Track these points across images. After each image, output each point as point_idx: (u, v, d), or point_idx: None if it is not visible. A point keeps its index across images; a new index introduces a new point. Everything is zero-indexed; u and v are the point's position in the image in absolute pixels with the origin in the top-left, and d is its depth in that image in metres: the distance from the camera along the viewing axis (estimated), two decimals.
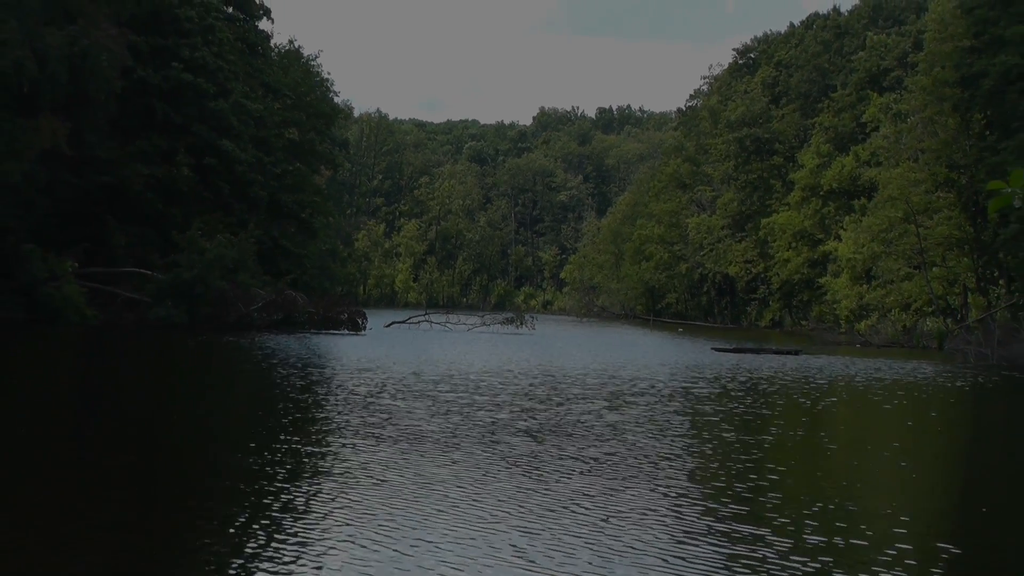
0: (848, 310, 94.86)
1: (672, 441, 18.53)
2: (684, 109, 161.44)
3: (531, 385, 29.74)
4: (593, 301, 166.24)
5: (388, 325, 70.09)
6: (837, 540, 10.86)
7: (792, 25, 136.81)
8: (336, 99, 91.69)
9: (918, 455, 20.00)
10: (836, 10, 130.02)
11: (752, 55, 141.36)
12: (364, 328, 60.96)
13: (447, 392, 26.24)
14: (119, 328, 51.22)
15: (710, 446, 18.23)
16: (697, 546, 10.41)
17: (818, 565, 9.74)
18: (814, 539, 10.86)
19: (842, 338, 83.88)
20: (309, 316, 59.93)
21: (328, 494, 12.58)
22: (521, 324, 76.76)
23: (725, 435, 19.86)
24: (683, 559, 9.82)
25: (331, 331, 57.42)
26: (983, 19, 69.77)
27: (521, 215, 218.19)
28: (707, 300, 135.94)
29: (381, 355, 40.64)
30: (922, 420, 26.36)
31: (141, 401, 24.57)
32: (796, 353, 55.04)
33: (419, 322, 75.53)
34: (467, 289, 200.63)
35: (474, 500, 12.41)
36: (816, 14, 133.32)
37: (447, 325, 74.30)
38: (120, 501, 12.45)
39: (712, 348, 58.35)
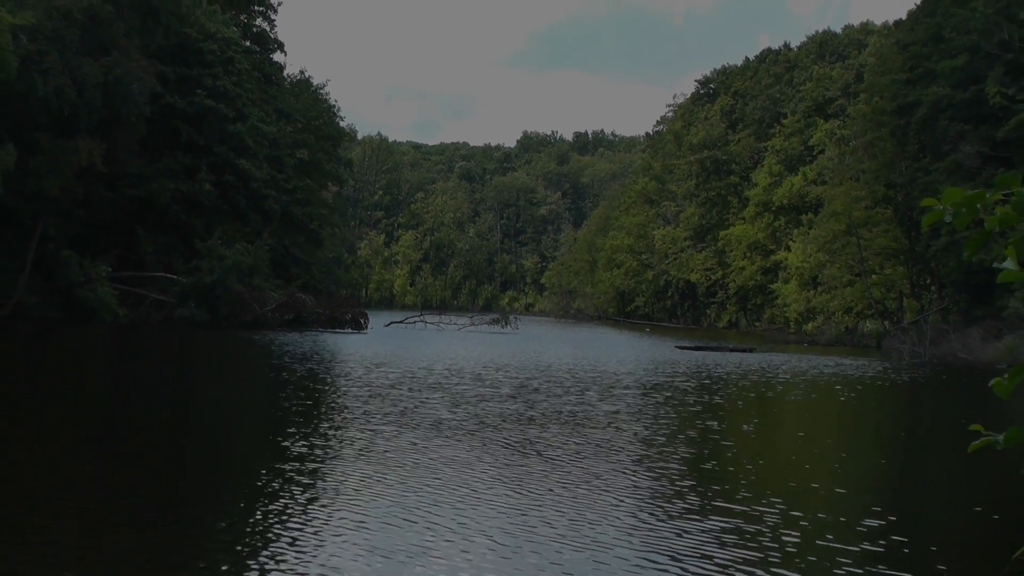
0: (797, 313, 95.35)
1: (661, 428, 18.67)
2: (651, 133, 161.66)
3: (528, 378, 29.85)
4: (570, 304, 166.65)
5: (388, 325, 70.17)
6: (810, 513, 10.94)
7: (747, 59, 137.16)
8: (341, 123, 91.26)
9: (863, 437, 20.15)
10: (787, 46, 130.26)
11: (712, 85, 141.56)
12: (366, 327, 61.00)
13: (456, 384, 26.34)
14: (147, 326, 51.27)
15: (693, 432, 18.37)
16: (692, 522, 10.53)
17: (794, 533, 9.82)
18: (788, 513, 10.95)
19: (791, 338, 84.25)
20: (317, 316, 59.92)
21: (362, 474, 12.62)
22: (506, 324, 76.96)
23: (705, 423, 20.05)
24: (685, 532, 9.91)
25: (336, 330, 57.40)
26: (917, 55, 70.15)
27: (506, 227, 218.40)
28: (671, 303, 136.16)
29: (389, 351, 40.77)
30: (865, 408, 26.54)
31: (174, 389, 24.59)
32: (751, 351, 55.24)
33: (415, 322, 75.62)
34: (458, 292, 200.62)
35: (495, 481, 12.51)
36: (769, 49, 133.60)
37: (440, 325, 74.45)
38: (160, 479, 12.46)
39: (676, 346, 58.48)
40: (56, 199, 51.14)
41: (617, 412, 21.15)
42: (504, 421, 18.68)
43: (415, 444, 15.23)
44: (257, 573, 8.06)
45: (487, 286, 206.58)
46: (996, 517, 12.01)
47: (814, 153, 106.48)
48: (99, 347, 38.53)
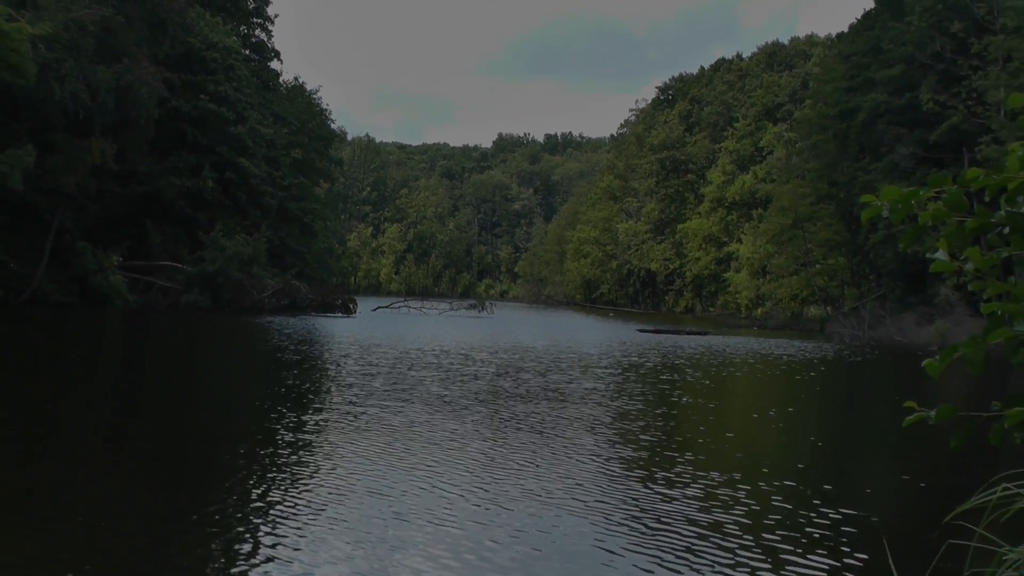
0: (747, 299, 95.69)
1: (635, 403, 18.79)
2: (615, 135, 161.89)
3: (513, 357, 29.96)
4: (541, 291, 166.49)
5: (375, 309, 69.95)
6: (760, 482, 11.14)
7: (703, 68, 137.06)
8: (332, 125, 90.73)
9: (808, 412, 20.33)
10: (739, 56, 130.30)
11: (670, 92, 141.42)
12: (355, 312, 60.94)
13: (450, 363, 26.35)
14: (155, 311, 51.10)
15: (662, 408, 18.45)
16: (658, 489, 10.68)
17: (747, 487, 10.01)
18: (740, 481, 11.15)
19: (742, 322, 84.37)
20: (310, 302, 59.87)
21: (372, 445, 12.64)
22: (483, 309, 76.90)
23: (671, 399, 20.20)
24: (653, 497, 10.10)
25: (328, 314, 57.25)
26: (857, 65, 70.53)
27: (482, 220, 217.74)
28: (633, 290, 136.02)
29: (381, 333, 40.79)
30: (810, 386, 26.73)
31: (182, 367, 24.52)
32: (706, 334, 55.41)
33: (400, 307, 75.49)
34: (439, 280, 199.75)
35: (493, 450, 12.66)
36: (722, 59, 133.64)
37: (422, 310, 74.36)
38: (168, 448, 12.51)
39: (638, 329, 58.50)
40: (72, 195, 51.01)
41: (597, 389, 21.32)
42: (497, 397, 18.82)
43: (418, 418, 15.30)
44: (266, 537, 8.15)
45: (465, 274, 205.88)
46: (923, 485, 12.23)
47: (764, 154, 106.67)
48: (111, 330, 38.42)
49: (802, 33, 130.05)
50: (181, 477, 10.82)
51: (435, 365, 25.61)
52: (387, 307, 75.01)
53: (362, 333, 40.54)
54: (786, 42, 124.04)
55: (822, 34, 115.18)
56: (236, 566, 7.30)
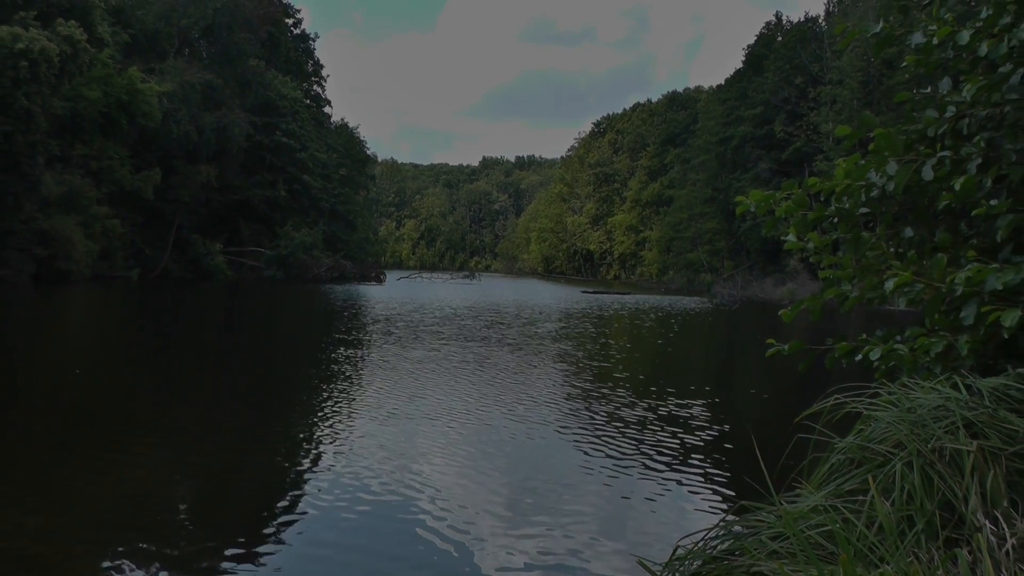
0: (656, 270, 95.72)
1: (612, 340, 18.89)
2: (564, 157, 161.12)
3: (519, 311, 30.08)
4: (514, 265, 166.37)
5: (399, 279, 69.81)
6: (663, 396, 11.32)
7: (624, 109, 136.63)
8: (367, 152, 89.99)
9: (699, 347, 20.56)
10: (649, 100, 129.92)
11: (602, 126, 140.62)
12: (384, 281, 61.03)
13: (490, 316, 26.24)
14: (246, 282, 50.96)
15: (625, 345, 18.60)
16: (606, 399, 10.82)
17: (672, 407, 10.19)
18: (646, 398, 11.30)
19: (653, 286, 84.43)
20: (353, 274, 60.21)
21: (445, 374, 12.56)
22: (473, 278, 77.18)
23: (611, 338, 20.28)
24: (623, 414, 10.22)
25: (365, 283, 57.14)
26: (731, 106, 70.71)
27: (473, 217, 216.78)
28: (578, 264, 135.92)
29: (411, 295, 40.75)
30: (700, 329, 26.98)
31: (270, 321, 24.40)
32: (629, 294, 55.69)
33: (416, 278, 75.48)
34: (442, 258, 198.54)
35: (536, 380, 12.61)
36: (638, 102, 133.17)
37: (432, 279, 74.42)
38: (266, 366, 12.54)
39: (582, 291, 58.70)
40: (187, 202, 51.46)
41: (606, 331, 21.60)
42: (532, 338, 18.87)
43: (486, 354, 15.28)
44: (335, 444, 8.21)
45: (461, 254, 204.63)
46: (775, 398, 12.48)
47: (667, 169, 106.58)
48: (218, 294, 38.32)
49: (692, 85, 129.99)
50: (268, 389, 10.89)
51: (474, 316, 25.44)
52: (407, 277, 74.89)
53: (398, 296, 40.45)
54: (682, 91, 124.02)
55: (706, 86, 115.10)
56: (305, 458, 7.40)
